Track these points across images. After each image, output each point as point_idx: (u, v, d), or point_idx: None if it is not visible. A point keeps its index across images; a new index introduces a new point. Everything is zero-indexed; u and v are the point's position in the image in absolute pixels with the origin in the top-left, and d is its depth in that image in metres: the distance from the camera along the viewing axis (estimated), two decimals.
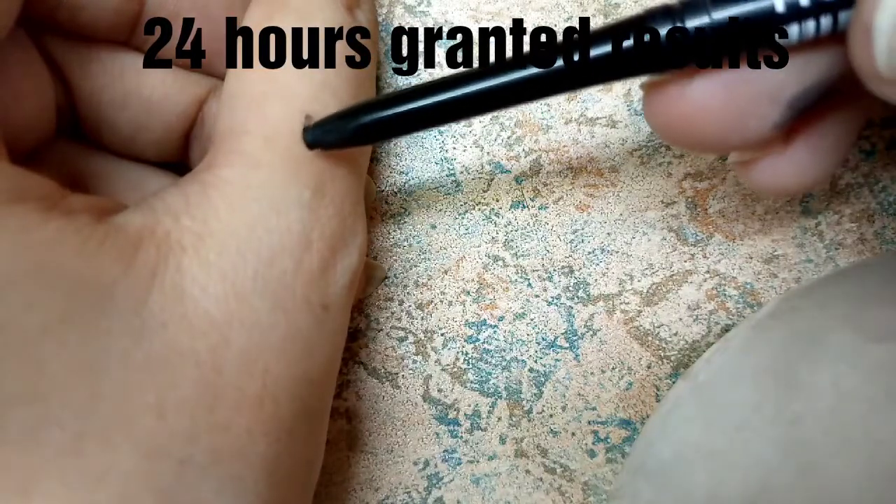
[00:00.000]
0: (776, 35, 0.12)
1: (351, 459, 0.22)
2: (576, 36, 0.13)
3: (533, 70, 0.13)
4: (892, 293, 0.18)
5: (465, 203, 0.21)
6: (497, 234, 0.21)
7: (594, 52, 0.13)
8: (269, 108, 0.15)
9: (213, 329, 0.13)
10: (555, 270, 0.21)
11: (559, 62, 0.13)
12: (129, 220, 0.14)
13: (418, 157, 0.21)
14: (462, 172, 0.21)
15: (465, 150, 0.21)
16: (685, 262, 0.21)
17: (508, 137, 0.20)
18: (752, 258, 0.20)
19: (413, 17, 0.20)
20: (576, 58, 0.13)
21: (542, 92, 0.13)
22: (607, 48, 0.13)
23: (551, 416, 0.21)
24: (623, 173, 0.20)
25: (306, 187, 0.15)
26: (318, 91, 0.15)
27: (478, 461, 0.21)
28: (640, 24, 0.13)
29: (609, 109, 0.20)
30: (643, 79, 0.14)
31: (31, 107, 0.16)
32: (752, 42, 0.13)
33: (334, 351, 0.16)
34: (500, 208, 0.21)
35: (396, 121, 0.14)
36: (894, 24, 0.11)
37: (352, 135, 0.15)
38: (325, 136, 0.15)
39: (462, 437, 0.21)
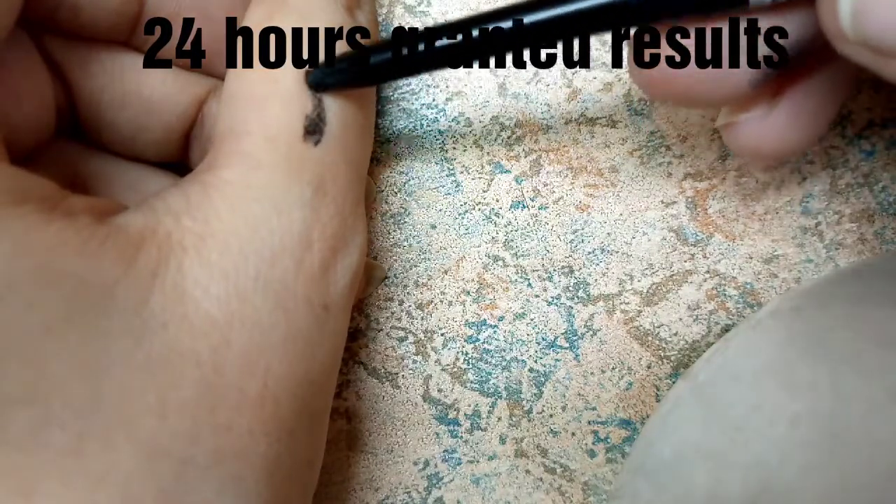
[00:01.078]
0: None
1: (351, 459, 0.22)
2: None
3: (511, 20, 0.14)
4: (892, 293, 0.18)
5: (465, 203, 0.21)
6: (497, 234, 0.21)
7: (569, 8, 0.14)
8: (269, 109, 0.15)
9: (214, 329, 0.13)
10: (555, 270, 0.21)
11: (542, 14, 0.14)
12: (129, 220, 0.14)
13: (418, 157, 0.21)
14: (462, 172, 0.21)
15: (465, 150, 0.21)
16: (685, 262, 0.21)
17: (508, 137, 0.20)
18: (752, 258, 0.20)
19: (413, 17, 0.20)
20: (555, 12, 0.14)
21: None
22: (585, 3, 0.14)
23: (551, 416, 0.21)
24: (623, 173, 0.20)
25: (307, 187, 0.15)
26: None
27: (478, 461, 0.21)
28: None
29: (609, 109, 0.20)
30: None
31: (31, 107, 0.16)
32: (727, 3, 0.13)
33: (335, 351, 0.16)
34: (500, 208, 0.21)
35: (400, 62, 0.15)
36: None
37: (355, 74, 0.15)
38: (327, 77, 0.15)
39: (462, 437, 0.21)
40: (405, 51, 0.15)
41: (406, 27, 0.20)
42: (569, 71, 0.20)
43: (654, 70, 0.15)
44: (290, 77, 0.15)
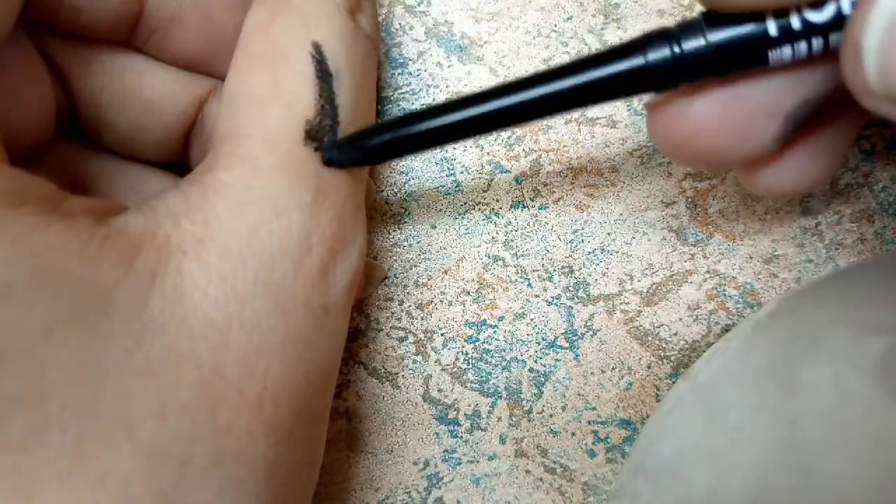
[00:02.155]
0: (769, 56, 0.13)
1: (351, 459, 0.22)
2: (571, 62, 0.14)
3: (528, 93, 0.14)
4: (892, 293, 0.18)
5: (465, 203, 0.21)
6: (497, 234, 0.21)
7: (591, 76, 0.14)
8: (270, 112, 0.15)
9: (213, 331, 0.13)
10: (555, 270, 0.21)
11: (557, 85, 0.14)
12: (129, 222, 0.14)
13: (418, 157, 0.21)
14: (462, 172, 0.21)
15: (465, 150, 0.21)
16: (685, 262, 0.21)
17: (508, 137, 0.20)
18: (752, 258, 0.21)
19: (413, 17, 0.20)
20: (574, 81, 0.14)
21: (537, 113, 0.14)
22: (603, 72, 0.13)
23: (551, 416, 0.21)
24: (623, 173, 0.20)
25: (307, 190, 0.15)
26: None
27: (478, 461, 0.21)
28: (638, 47, 0.13)
29: (609, 109, 0.20)
30: (646, 98, 0.15)
31: (30, 107, 0.16)
32: (747, 63, 0.13)
33: (334, 352, 0.16)
34: (500, 208, 0.21)
35: (410, 140, 0.15)
36: (881, 43, 0.11)
37: (368, 154, 0.15)
38: (341, 155, 0.15)
39: (462, 437, 0.21)
40: (429, 125, 0.15)
41: (405, 26, 0.20)
42: None
43: (676, 133, 0.14)
44: (291, 79, 0.15)
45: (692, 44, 0.13)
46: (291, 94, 0.15)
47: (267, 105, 0.15)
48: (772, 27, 0.13)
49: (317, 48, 0.15)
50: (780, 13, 0.13)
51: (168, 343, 0.13)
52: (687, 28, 0.13)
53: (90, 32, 0.16)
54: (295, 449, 0.15)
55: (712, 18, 0.13)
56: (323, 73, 0.15)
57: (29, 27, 0.16)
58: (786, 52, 0.13)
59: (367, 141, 0.15)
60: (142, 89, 0.17)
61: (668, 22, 0.20)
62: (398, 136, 0.15)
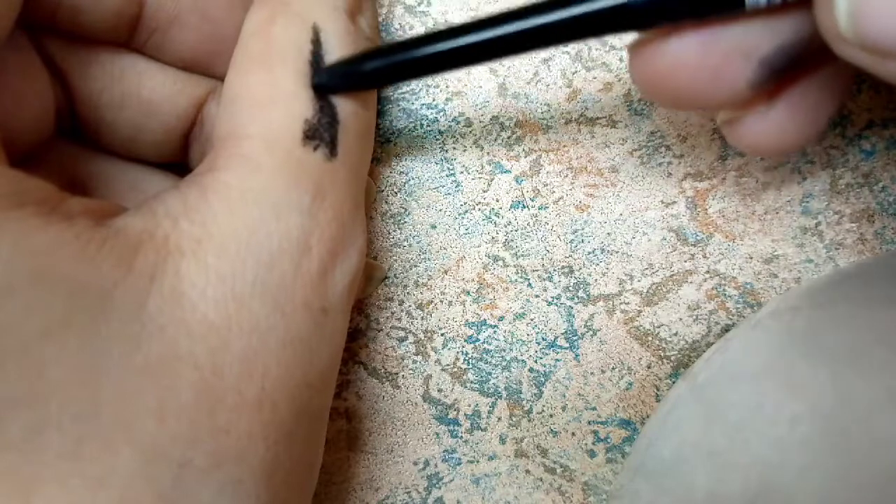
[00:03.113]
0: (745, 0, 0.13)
1: (351, 459, 0.22)
2: None
3: (515, 26, 0.14)
4: (892, 293, 0.18)
5: (465, 203, 0.21)
6: (497, 234, 0.21)
7: (575, 11, 0.14)
8: (269, 112, 0.15)
9: (211, 333, 0.13)
10: (555, 270, 0.21)
11: (542, 19, 0.14)
12: (128, 223, 0.14)
13: (418, 157, 0.21)
14: (462, 172, 0.21)
15: (465, 150, 0.21)
16: (685, 262, 0.21)
17: (508, 137, 0.20)
18: (752, 258, 0.20)
19: (413, 17, 0.20)
20: (559, 16, 0.14)
21: (523, 46, 0.15)
22: (585, 7, 0.14)
23: (551, 416, 0.21)
24: (623, 173, 0.20)
25: (306, 192, 0.15)
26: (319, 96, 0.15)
27: (478, 461, 0.21)
28: None
29: (609, 109, 0.20)
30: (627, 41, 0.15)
31: (30, 108, 0.16)
32: (724, 6, 0.13)
33: (333, 354, 0.16)
34: (500, 208, 0.21)
35: (405, 65, 0.15)
36: None
37: (361, 77, 0.16)
38: (332, 79, 0.15)
39: (462, 437, 0.21)
40: (408, 54, 0.15)
41: (405, 26, 0.20)
42: (569, 71, 0.20)
43: (654, 71, 0.15)
44: (291, 80, 0.15)
45: None
46: (291, 95, 0.15)
47: (266, 105, 0.15)
48: None
49: (316, 49, 0.15)
50: None
51: (167, 344, 0.13)
52: None
53: (90, 33, 0.16)
54: (294, 449, 0.15)
55: None
56: (321, 75, 0.15)
57: (29, 28, 0.16)
58: None
59: (359, 65, 0.16)
60: (141, 90, 0.17)
61: None
62: (390, 62, 0.15)
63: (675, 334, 0.21)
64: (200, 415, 0.13)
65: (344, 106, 0.16)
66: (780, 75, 0.14)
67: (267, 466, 0.14)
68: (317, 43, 0.15)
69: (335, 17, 0.16)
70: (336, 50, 0.16)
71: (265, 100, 0.15)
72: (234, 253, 0.14)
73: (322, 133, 0.15)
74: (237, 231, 0.14)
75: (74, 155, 0.18)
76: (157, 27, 0.17)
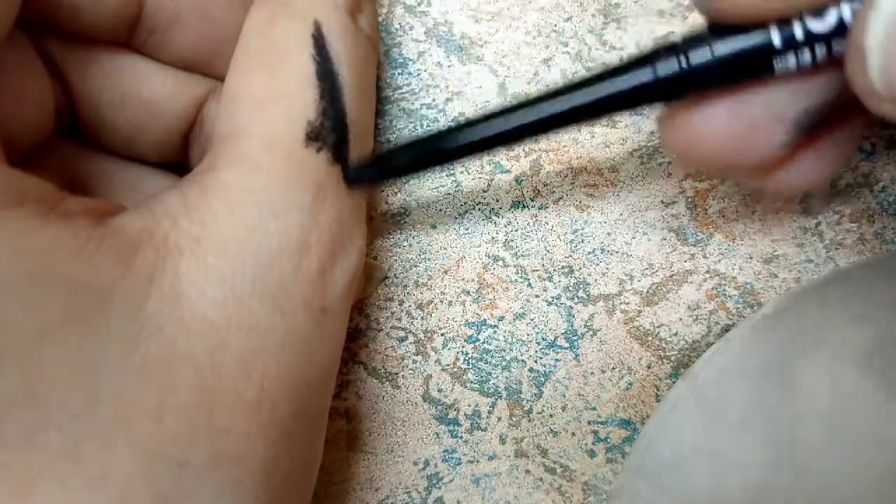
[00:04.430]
0: (774, 65, 0.13)
1: (351, 459, 0.22)
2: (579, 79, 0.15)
3: (544, 110, 0.15)
4: (892, 293, 0.18)
5: (465, 203, 0.21)
6: (497, 234, 0.21)
7: (603, 91, 0.14)
8: (270, 112, 0.15)
9: (210, 332, 0.13)
10: (555, 270, 0.21)
11: (571, 101, 0.14)
12: (127, 222, 0.14)
13: None
14: (462, 172, 0.21)
15: None
16: (685, 262, 0.21)
17: None
18: (752, 258, 0.20)
19: (413, 17, 0.20)
20: (587, 97, 0.14)
21: (551, 128, 0.15)
22: (614, 87, 0.14)
23: (551, 416, 0.21)
24: (623, 173, 0.20)
25: (306, 191, 0.15)
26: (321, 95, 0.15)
27: (478, 461, 0.21)
28: (647, 61, 0.14)
29: None
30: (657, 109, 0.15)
31: (29, 108, 0.16)
32: (753, 72, 0.14)
33: (333, 353, 0.16)
34: (500, 208, 0.21)
35: (429, 158, 0.16)
36: (883, 45, 0.11)
37: (389, 172, 0.16)
38: (364, 174, 0.16)
39: (462, 437, 0.21)
40: (437, 145, 0.16)
41: (405, 26, 0.20)
42: (569, 71, 0.20)
43: (686, 140, 0.15)
44: (293, 79, 0.15)
45: (699, 56, 0.14)
46: (292, 95, 0.15)
47: (267, 105, 0.15)
48: (775, 37, 0.13)
49: (318, 49, 0.15)
50: (784, 23, 0.13)
51: (165, 344, 0.13)
52: (693, 41, 0.14)
53: (90, 33, 0.16)
54: (293, 449, 0.15)
55: (717, 30, 0.14)
56: (324, 74, 0.15)
57: (29, 28, 0.16)
58: (790, 60, 0.13)
59: (388, 161, 0.16)
60: (141, 90, 0.17)
61: (669, 22, 0.20)
62: (419, 155, 0.16)
63: (676, 334, 0.21)
64: (199, 415, 0.13)
65: (348, 107, 0.16)
66: (810, 133, 0.14)
67: (266, 466, 0.14)
68: (319, 39, 0.15)
69: (336, 16, 0.16)
70: (337, 48, 0.16)
71: (266, 99, 0.15)
72: (234, 253, 0.14)
73: (325, 135, 0.15)
74: (237, 231, 0.14)
75: (74, 155, 0.18)
76: (157, 27, 0.17)
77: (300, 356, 0.15)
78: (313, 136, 0.15)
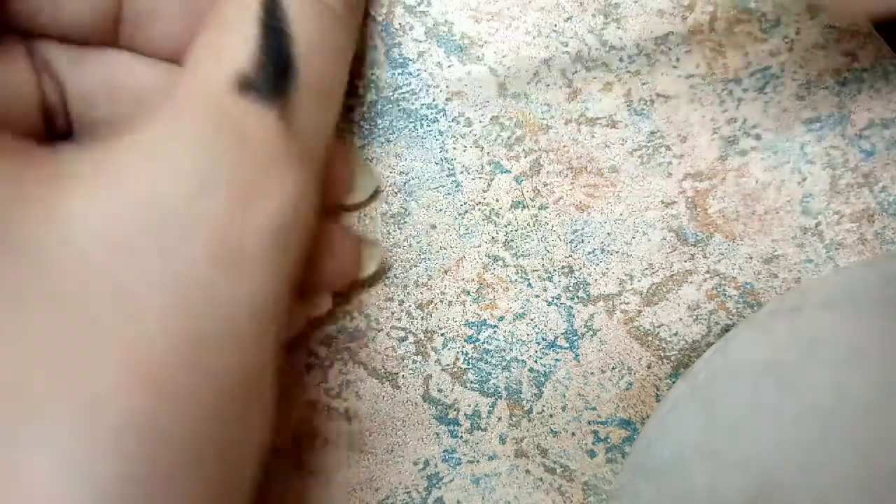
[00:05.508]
0: None
1: (351, 459, 0.22)
2: None
3: None
4: (892, 293, 0.18)
5: (465, 203, 0.21)
6: (497, 234, 0.21)
7: None
8: (206, 58, 0.15)
9: (88, 263, 0.13)
10: (555, 270, 0.21)
11: None
12: (46, 150, 0.14)
13: (418, 157, 0.21)
14: (462, 172, 0.21)
15: (465, 150, 0.21)
16: (685, 262, 0.21)
17: (508, 137, 0.20)
18: (752, 258, 0.20)
19: (413, 17, 0.20)
20: None
21: None
22: None
23: (551, 416, 0.21)
24: (623, 173, 0.20)
25: (221, 133, 0.14)
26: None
27: (478, 461, 0.21)
28: None
29: (609, 109, 0.20)
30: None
31: (14, 111, 0.16)
32: None
33: (252, 304, 0.14)
34: (500, 208, 0.21)
35: None
36: None
37: None
38: None
39: (462, 437, 0.21)
40: None
41: (405, 26, 0.20)
42: (569, 70, 0.20)
43: None
44: (228, 36, 0.15)
45: None
46: (224, 48, 0.15)
47: (199, 61, 0.15)
48: None
49: (267, 11, 0.15)
50: None
51: (41, 270, 0.13)
52: None
53: (75, 34, 0.17)
54: (181, 410, 0.13)
55: None
56: (271, 30, 0.15)
57: (15, 31, 0.16)
58: None
59: None
60: (133, 86, 0.17)
61: (669, 22, 0.20)
62: None
63: (676, 334, 0.21)
64: (65, 348, 0.12)
65: (298, 64, 0.15)
66: None
67: (137, 419, 0.13)
68: (269, 3, 0.15)
69: None
70: (291, 10, 0.15)
71: (200, 57, 0.15)
72: (129, 185, 0.13)
73: (262, 84, 0.15)
74: (138, 165, 0.14)
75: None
76: (140, 21, 0.17)
77: (194, 299, 0.14)
78: (246, 86, 0.15)
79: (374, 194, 0.21)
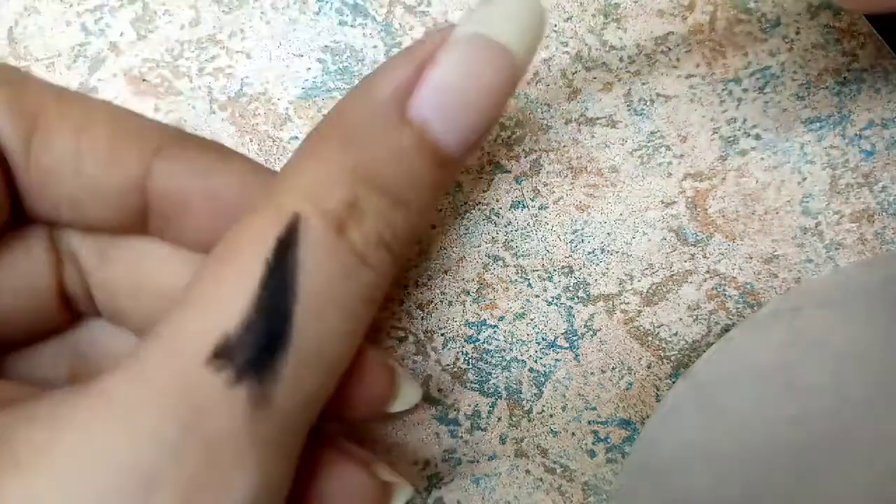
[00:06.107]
0: None
1: None
2: None
3: None
4: (892, 293, 0.18)
5: (465, 203, 0.21)
6: (497, 234, 0.21)
7: None
8: (186, 315, 0.13)
9: None
10: (555, 270, 0.21)
11: None
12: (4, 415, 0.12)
13: None
14: (462, 172, 0.21)
15: None
16: (685, 262, 0.21)
17: (508, 137, 0.20)
18: (752, 258, 0.20)
19: (413, 16, 0.20)
20: None
21: None
22: None
23: (551, 416, 0.21)
24: (623, 173, 0.20)
25: (176, 417, 0.12)
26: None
27: (478, 461, 0.21)
28: None
29: (609, 109, 0.20)
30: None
31: (26, 297, 0.15)
32: None
33: None
34: (500, 208, 0.21)
35: None
36: None
37: None
38: None
39: (462, 437, 0.21)
40: None
41: (405, 26, 0.20)
42: (569, 70, 0.20)
43: None
44: (231, 281, 0.13)
45: None
46: (218, 294, 0.13)
47: (187, 306, 0.13)
48: None
49: (277, 252, 0.13)
50: None
51: None
52: None
53: (101, 225, 0.15)
54: None
55: None
56: (275, 283, 0.13)
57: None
58: None
59: None
60: (159, 277, 0.16)
61: (669, 22, 0.20)
62: None
63: (676, 334, 0.21)
64: None
65: (300, 329, 0.13)
66: None
67: None
68: (284, 240, 0.13)
69: (315, 219, 0.13)
70: (304, 256, 0.13)
71: (190, 300, 0.13)
72: (65, 477, 0.12)
73: (242, 358, 0.12)
74: (79, 451, 0.12)
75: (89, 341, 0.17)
76: (169, 216, 0.16)
77: None
78: (222, 353, 0.12)
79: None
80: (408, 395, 0.18)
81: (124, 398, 0.12)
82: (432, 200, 0.15)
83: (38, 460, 0.12)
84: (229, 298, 0.13)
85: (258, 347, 0.12)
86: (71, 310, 0.17)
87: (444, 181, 0.14)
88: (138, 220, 0.16)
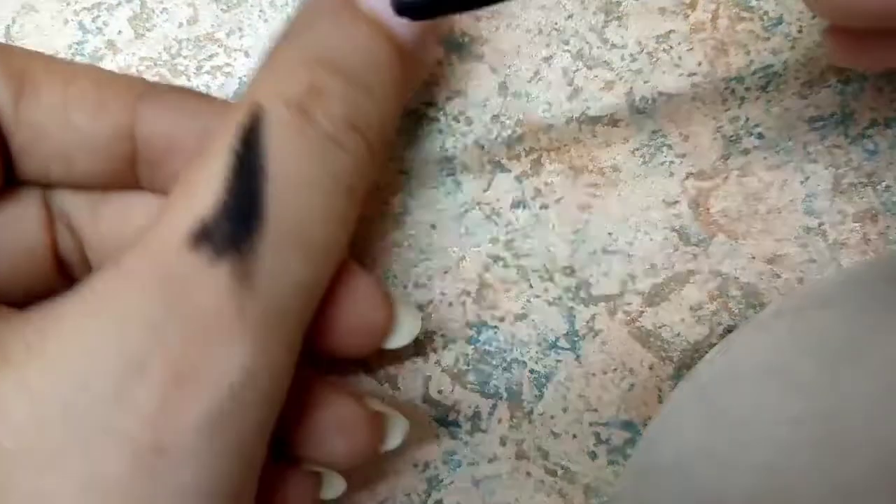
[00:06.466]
0: None
1: None
2: None
3: None
4: (895, 294, 0.18)
5: (466, 203, 0.21)
6: (498, 234, 0.21)
7: None
8: (165, 209, 0.13)
9: (2, 459, 0.12)
10: (556, 271, 0.21)
11: None
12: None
13: (418, 157, 0.21)
14: (462, 172, 0.21)
15: (465, 150, 0.20)
16: (687, 262, 0.20)
17: (509, 136, 0.20)
18: (754, 258, 0.20)
19: None
20: None
21: None
22: None
23: (552, 417, 0.21)
24: (625, 173, 0.20)
25: (160, 301, 0.12)
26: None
27: (478, 463, 0.21)
28: None
29: (610, 108, 0.20)
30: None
31: (21, 257, 0.15)
32: None
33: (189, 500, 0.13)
34: (501, 208, 0.21)
35: None
36: None
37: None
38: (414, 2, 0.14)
39: (462, 438, 0.21)
40: None
41: None
42: (570, 69, 0.20)
43: None
44: (196, 175, 0.13)
45: None
46: (190, 193, 0.13)
47: (163, 209, 0.13)
48: None
49: (243, 140, 0.13)
50: None
51: None
52: None
53: (92, 183, 0.16)
54: None
55: None
56: (244, 169, 0.13)
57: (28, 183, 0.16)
58: None
59: None
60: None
61: (670, 20, 0.20)
62: None
63: (678, 335, 0.21)
64: None
65: (274, 208, 0.13)
66: None
67: None
68: (248, 129, 0.13)
69: (277, 105, 0.14)
70: (271, 141, 0.13)
71: (171, 199, 0.13)
72: (57, 370, 0.12)
73: (218, 235, 0.13)
74: (69, 344, 0.12)
75: None
76: (157, 161, 0.16)
77: (113, 499, 0.12)
78: (200, 236, 0.13)
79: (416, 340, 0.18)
80: (407, 326, 0.17)
81: (111, 291, 0.13)
82: (394, 89, 0.15)
83: (30, 356, 0.12)
84: (202, 188, 0.13)
85: (234, 225, 0.13)
86: (66, 276, 0.17)
87: (404, 69, 0.15)
88: (128, 170, 0.16)
